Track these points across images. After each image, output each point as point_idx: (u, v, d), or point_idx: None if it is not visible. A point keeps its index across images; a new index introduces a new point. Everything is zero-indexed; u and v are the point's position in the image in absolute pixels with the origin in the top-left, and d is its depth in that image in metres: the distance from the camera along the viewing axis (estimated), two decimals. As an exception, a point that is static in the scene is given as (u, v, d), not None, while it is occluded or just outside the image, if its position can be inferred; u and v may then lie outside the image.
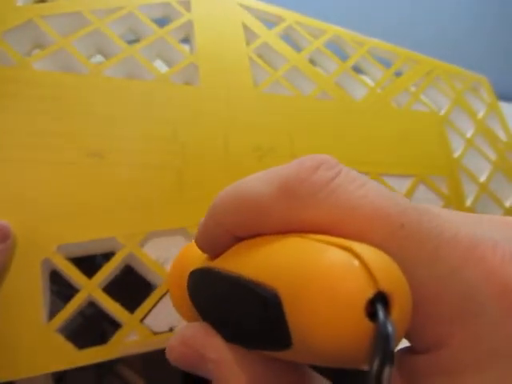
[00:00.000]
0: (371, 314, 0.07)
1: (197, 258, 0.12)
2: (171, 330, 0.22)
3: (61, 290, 0.23)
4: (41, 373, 0.19)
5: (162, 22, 0.29)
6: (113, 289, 0.21)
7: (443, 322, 0.08)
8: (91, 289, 0.21)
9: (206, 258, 0.12)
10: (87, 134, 0.23)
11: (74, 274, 0.21)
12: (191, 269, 0.12)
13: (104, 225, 0.22)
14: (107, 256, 0.22)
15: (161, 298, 0.22)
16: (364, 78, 0.35)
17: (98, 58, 0.28)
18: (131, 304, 0.21)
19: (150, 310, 0.22)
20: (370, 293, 0.07)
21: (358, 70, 0.35)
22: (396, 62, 0.37)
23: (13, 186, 0.21)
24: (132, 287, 0.22)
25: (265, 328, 0.09)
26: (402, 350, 0.10)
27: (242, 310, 0.10)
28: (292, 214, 0.09)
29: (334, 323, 0.07)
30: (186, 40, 0.31)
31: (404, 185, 0.32)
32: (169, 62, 0.30)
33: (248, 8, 0.32)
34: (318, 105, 0.31)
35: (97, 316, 0.25)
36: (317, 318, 0.07)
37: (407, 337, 0.09)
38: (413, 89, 0.36)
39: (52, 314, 0.20)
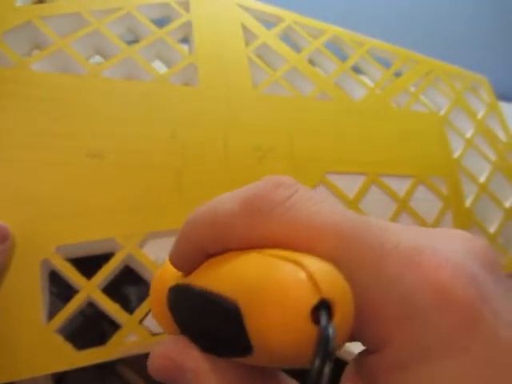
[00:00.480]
0: (316, 319, 0.08)
1: (175, 275, 0.13)
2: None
3: (60, 291, 0.23)
4: (40, 374, 0.19)
5: (160, 23, 0.29)
6: (112, 289, 0.22)
7: (385, 324, 0.10)
8: (90, 289, 0.21)
9: (181, 275, 0.13)
10: (86, 135, 0.23)
11: (73, 275, 0.21)
12: (170, 285, 0.13)
13: (103, 225, 0.22)
14: (107, 256, 0.22)
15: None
16: (363, 78, 0.35)
17: (97, 58, 0.28)
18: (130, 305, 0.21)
19: (149, 311, 0.22)
20: (314, 300, 0.08)
21: (357, 70, 0.35)
22: (395, 62, 0.37)
23: (12, 186, 0.21)
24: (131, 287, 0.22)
25: (229, 337, 0.10)
26: (361, 352, 0.11)
27: (211, 322, 0.11)
28: (253, 229, 0.10)
29: (284, 328, 0.08)
30: (185, 40, 0.31)
31: (403, 185, 0.32)
32: (168, 63, 0.30)
33: (247, 8, 0.32)
34: (317, 105, 0.31)
35: (97, 316, 0.25)
36: (270, 325, 0.09)
37: (359, 338, 0.10)
38: (412, 89, 0.36)
39: (52, 315, 0.20)
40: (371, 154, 0.31)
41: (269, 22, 0.33)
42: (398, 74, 0.36)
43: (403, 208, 0.31)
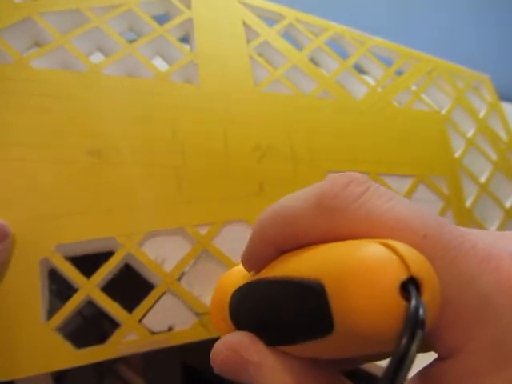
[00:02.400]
0: (405, 296, 0.08)
1: (237, 281, 0.14)
2: (170, 329, 0.22)
3: (61, 289, 0.23)
4: (39, 372, 0.19)
5: (161, 19, 0.29)
6: (112, 288, 0.22)
7: (462, 327, 0.09)
8: (89, 288, 0.21)
9: (250, 275, 0.13)
10: (86, 133, 0.23)
11: (72, 274, 0.21)
12: (232, 290, 0.14)
13: (103, 224, 0.22)
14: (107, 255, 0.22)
15: (159, 298, 0.22)
16: (365, 76, 0.35)
17: (98, 55, 0.28)
18: (131, 303, 0.21)
19: (148, 310, 0.22)
20: (403, 276, 0.08)
21: (358, 68, 0.35)
22: (397, 60, 0.37)
23: (11, 185, 0.21)
24: (131, 287, 0.22)
25: (310, 317, 0.10)
26: (427, 365, 0.10)
27: (287, 308, 0.11)
28: (327, 227, 0.11)
29: (372, 303, 0.08)
30: (186, 40, 0.30)
31: (404, 185, 0.31)
32: (168, 60, 0.30)
33: (248, 6, 0.32)
34: (318, 104, 0.31)
35: (98, 315, 0.25)
36: (357, 300, 0.09)
37: (432, 343, 0.10)
38: (414, 88, 0.36)
39: (52, 313, 0.20)
40: (372, 153, 0.31)
41: (270, 20, 0.33)
42: (399, 73, 0.36)
43: (403, 208, 0.31)
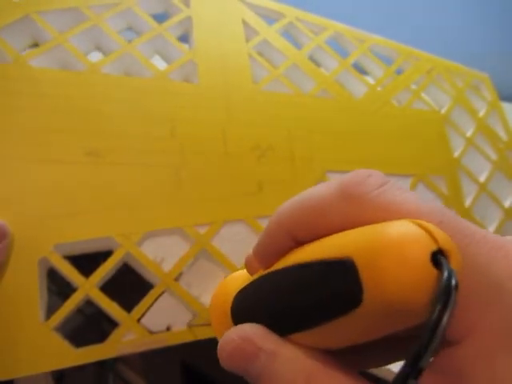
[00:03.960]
0: (435, 266, 0.09)
1: (238, 284, 0.14)
2: (168, 329, 0.22)
3: (60, 289, 0.23)
4: (38, 371, 0.19)
5: (160, 18, 0.29)
6: (111, 288, 0.22)
7: (474, 309, 0.10)
8: (88, 288, 0.21)
9: (257, 274, 0.13)
10: (84, 132, 0.23)
11: (71, 274, 0.21)
12: (234, 293, 0.14)
13: (101, 224, 0.22)
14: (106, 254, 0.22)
15: (158, 298, 0.22)
16: (364, 75, 0.35)
17: (96, 54, 0.28)
18: (129, 303, 0.21)
19: (147, 310, 0.22)
20: (433, 248, 0.09)
21: (358, 67, 0.35)
22: (397, 59, 0.37)
23: (9, 184, 0.21)
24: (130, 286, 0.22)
25: (336, 293, 0.10)
26: (435, 357, 0.11)
27: (310, 289, 0.11)
28: (349, 212, 0.11)
29: (405, 273, 0.09)
30: (185, 36, 0.30)
31: (403, 184, 0.31)
32: (167, 59, 0.30)
33: (248, 4, 0.32)
34: (317, 103, 0.31)
35: (99, 314, 0.25)
36: (389, 271, 0.09)
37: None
38: (413, 87, 0.36)
39: (52, 313, 0.20)
40: (371, 152, 0.31)
41: (270, 18, 0.33)
42: (399, 71, 0.36)
43: (402, 207, 0.31)
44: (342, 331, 0.10)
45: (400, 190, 0.11)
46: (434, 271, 0.09)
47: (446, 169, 0.34)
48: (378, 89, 0.34)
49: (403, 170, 0.32)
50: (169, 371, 0.29)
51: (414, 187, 0.32)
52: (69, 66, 0.25)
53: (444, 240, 0.09)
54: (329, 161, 0.29)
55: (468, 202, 0.34)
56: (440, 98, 0.38)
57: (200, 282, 0.23)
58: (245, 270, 0.15)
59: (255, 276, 0.14)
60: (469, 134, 0.37)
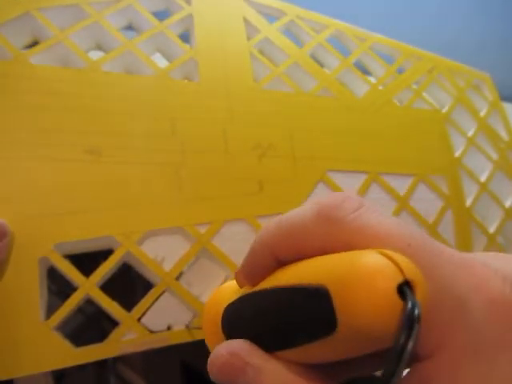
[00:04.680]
0: (401, 297, 0.09)
1: (228, 297, 0.15)
2: (169, 328, 0.22)
3: (60, 288, 0.23)
4: (38, 371, 0.19)
5: (161, 15, 0.29)
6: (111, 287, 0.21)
7: (441, 326, 0.10)
8: (89, 287, 0.21)
9: (244, 289, 0.14)
10: (84, 131, 0.23)
11: (71, 273, 0.21)
12: (225, 305, 0.14)
13: (102, 223, 0.22)
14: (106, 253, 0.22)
15: (158, 297, 0.22)
16: (366, 74, 0.35)
17: (97, 51, 0.28)
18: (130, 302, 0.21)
19: (147, 309, 0.21)
20: (399, 279, 0.10)
21: (359, 66, 0.35)
22: (398, 58, 0.37)
23: (9, 183, 0.20)
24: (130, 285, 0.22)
25: (314, 319, 0.11)
26: (407, 372, 0.11)
27: (291, 313, 0.11)
28: (325, 235, 0.12)
29: (373, 303, 0.09)
30: (186, 34, 0.30)
31: (404, 184, 0.31)
32: (168, 57, 0.29)
33: (249, 2, 0.31)
34: (318, 102, 0.31)
35: (98, 314, 0.25)
36: (359, 301, 0.09)
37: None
38: (415, 86, 0.36)
39: (52, 312, 0.20)
40: (372, 151, 0.31)
41: (271, 16, 0.33)
42: (400, 70, 0.36)
43: (403, 207, 0.31)
44: (321, 351, 0.11)
45: (375, 214, 0.12)
46: (399, 302, 0.09)
47: (446, 168, 0.34)
48: (380, 88, 0.34)
49: (404, 169, 0.32)
50: (169, 371, 0.29)
51: (414, 187, 0.32)
52: (69, 64, 0.25)
53: (410, 271, 0.10)
54: (330, 160, 0.29)
55: (469, 202, 0.34)
56: (441, 97, 0.38)
57: (201, 281, 0.23)
58: (232, 284, 0.16)
59: (243, 291, 0.14)
60: (470, 133, 0.37)
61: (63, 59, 0.25)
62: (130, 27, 0.29)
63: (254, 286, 0.14)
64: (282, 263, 0.13)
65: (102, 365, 0.20)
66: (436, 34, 0.55)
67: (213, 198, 0.24)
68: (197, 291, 0.23)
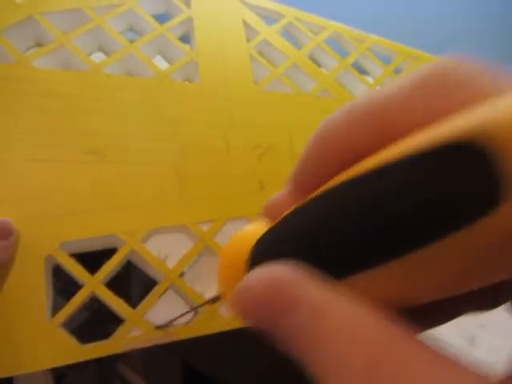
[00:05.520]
0: None
1: (257, 233, 0.11)
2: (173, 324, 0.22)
3: (65, 286, 0.24)
4: (44, 368, 0.19)
5: (161, 18, 0.29)
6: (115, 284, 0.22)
7: None
8: (94, 285, 0.21)
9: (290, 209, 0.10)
10: (87, 132, 0.23)
11: (76, 271, 0.21)
12: (251, 245, 0.11)
13: (106, 222, 0.22)
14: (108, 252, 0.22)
15: (162, 294, 0.22)
16: (364, 75, 0.35)
17: (99, 54, 0.28)
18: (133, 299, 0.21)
19: (152, 306, 0.22)
20: None
21: (357, 67, 0.35)
22: (396, 58, 0.37)
23: (15, 183, 0.21)
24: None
25: (454, 194, 0.07)
26: None
27: (404, 197, 0.07)
28: (433, 109, 0.08)
29: None
30: (187, 36, 0.31)
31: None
32: (169, 59, 0.30)
33: (248, 4, 0.32)
34: (317, 102, 0.31)
35: (103, 311, 0.25)
36: None
37: None
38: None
39: (57, 310, 0.20)
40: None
41: (270, 18, 0.33)
42: (398, 71, 0.37)
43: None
44: (446, 262, 0.07)
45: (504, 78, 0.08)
46: None
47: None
48: (377, 88, 0.34)
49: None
50: (169, 371, 0.29)
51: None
52: (72, 67, 0.26)
53: None
54: (329, 159, 0.29)
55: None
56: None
57: (204, 278, 0.24)
58: (258, 224, 0.12)
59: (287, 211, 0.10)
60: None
61: (66, 62, 0.26)
62: (131, 30, 0.30)
63: (302, 197, 0.10)
64: (347, 164, 0.09)
65: (101, 364, 0.20)
66: (434, 34, 0.55)
67: (214, 197, 0.25)
68: (200, 288, 0.23)
